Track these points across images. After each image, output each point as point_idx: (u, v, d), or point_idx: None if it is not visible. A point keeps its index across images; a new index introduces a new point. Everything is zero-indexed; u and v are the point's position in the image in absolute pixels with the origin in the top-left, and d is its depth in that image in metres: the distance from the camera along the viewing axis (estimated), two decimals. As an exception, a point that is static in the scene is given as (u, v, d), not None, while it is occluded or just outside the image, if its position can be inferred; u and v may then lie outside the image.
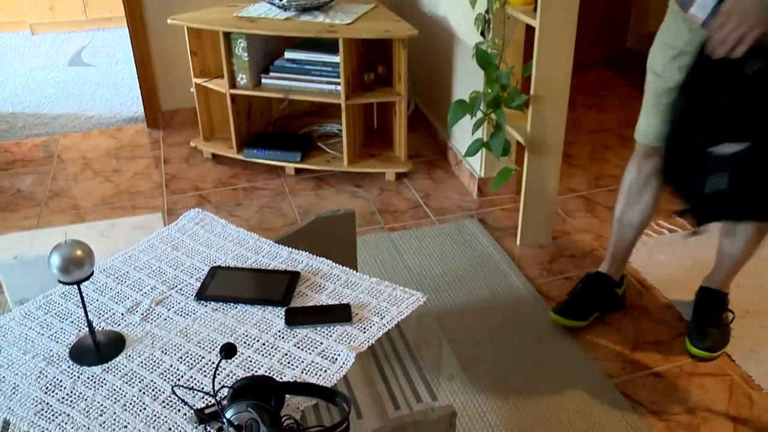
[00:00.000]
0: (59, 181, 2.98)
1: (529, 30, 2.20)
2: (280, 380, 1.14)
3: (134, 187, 2.89)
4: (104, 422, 1.08)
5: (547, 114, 2.22)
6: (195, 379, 1.16)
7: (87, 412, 1.10)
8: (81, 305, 1.34)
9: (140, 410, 1.10)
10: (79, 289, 1.19)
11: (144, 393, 1.13)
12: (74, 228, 2.23)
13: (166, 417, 1.09)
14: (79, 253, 1.14)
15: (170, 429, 1.07)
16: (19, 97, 3.84)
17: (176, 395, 1.11)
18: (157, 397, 1.13)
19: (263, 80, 2.85)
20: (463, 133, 2.82)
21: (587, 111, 3.48)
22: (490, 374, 1.87)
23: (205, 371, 1.18)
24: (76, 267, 1.13)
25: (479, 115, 2.32)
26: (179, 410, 1.10)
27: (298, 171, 2.97)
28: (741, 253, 1.88)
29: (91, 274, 1.16)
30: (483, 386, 1.82)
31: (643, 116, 1.79)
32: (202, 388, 1.14)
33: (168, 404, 1.11)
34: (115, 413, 1.09)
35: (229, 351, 1.04)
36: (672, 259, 2.32)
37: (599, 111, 3.49)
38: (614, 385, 1.84)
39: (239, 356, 1.21)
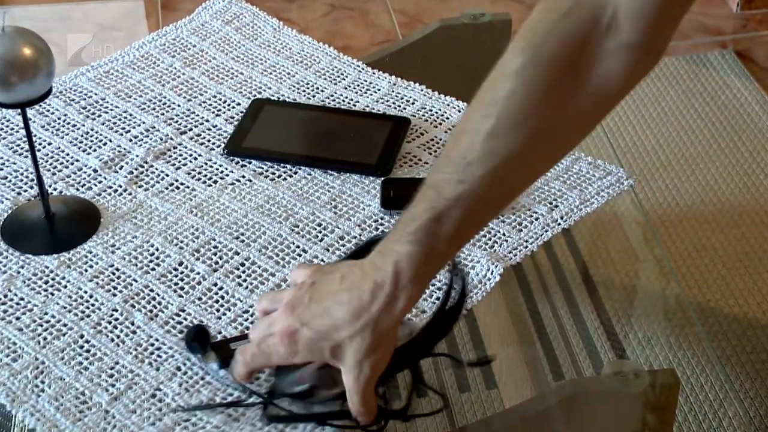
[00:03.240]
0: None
1: None
2: None
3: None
4: (63, 350, 1.11)
5: None
6: (223, 288, 1.19)
7: (32, 330, 1.13)
8: (19, 149, 1.40)
9: (125, 334, 1.13)
10: (24, 116, 1.20)
11: (133, 305, 1.17)
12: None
13: (173, 348, 1.11)
14: (27, 51, 1.13)
15: (179, 368, 1.09)
16: None
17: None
18: (157, 315, 1.16)
19: None
20: None
21: None
22: (737, 337, 1.88)
23: (237, 276, 1.20)
24: (22, 77, 1.13)
25: None
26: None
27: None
28: None
29: (49, 92, 1.17)
30: (725, 356, 1.83)
31: None
32: (238, 302, 1.17)
33: (177, 326, 1.14)
34: (81, 335, 1.12)
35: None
36: None
37: None
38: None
39: (302, 256, 1.23)
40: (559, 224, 1.29)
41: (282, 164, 1.37)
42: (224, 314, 1.16)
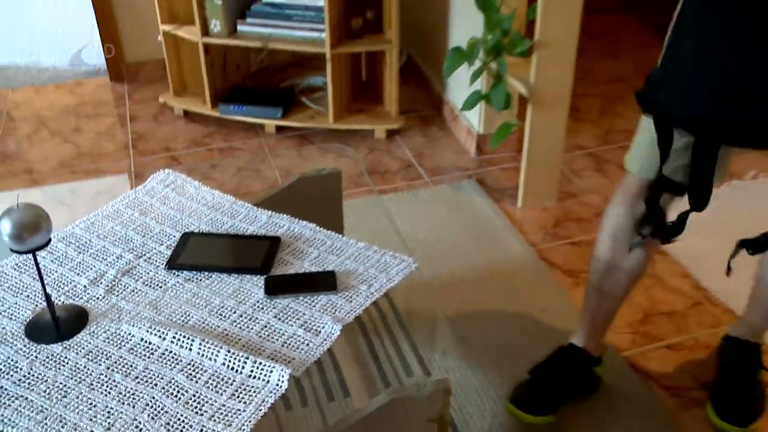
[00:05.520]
0: (10, 142, 2.97)
1: (533, -31, 2.20)
2: (260, 353, 1.16)
3: (97, 149, 2.88)
4: (69, 403, 1.09)
5: (553, 62, 2.22)
6: (171, 352, 1.18)
7: (48, 393, 1.11)
8: (37, 277, 1.36)
9: (110, 388, 1.12)
10: (35, 258, 1.19)
11: (113, 370, 1.15)
12: (30, 195, 2.22)
13: (141, 392, 1.10)
14: (33, 217, 1.13)
15: (148, 405, 1.08)
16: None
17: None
18: (129, 373, 1.14)
19: (239, 27, 2.83)
20: (459, 86, 2.82)
21: (599, 59, 3.48)
22: (488, 348, 1.90)
23: (181, 344, 1.19)
24: (31, 234, 1.13)
25: (478, 64, 2.32)
26: (155, 384, 1.12)
27: (279, 129, 2.97)
28: None
29: (48, 241, 1.16)
30: (481, 361, 1.85)
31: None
32: (181, 361, 1.16)
33: (143, 379, 1.13)
34: (80, 393, 1.11)
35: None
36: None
37: (613, 59, 3.48)
38: (624, 357, 1.88)
39: (215, 328, 1.23)
40: (374, 295, 1.30)
41: (203, 272, 1.36)
42: (175, 367, 1.15)
